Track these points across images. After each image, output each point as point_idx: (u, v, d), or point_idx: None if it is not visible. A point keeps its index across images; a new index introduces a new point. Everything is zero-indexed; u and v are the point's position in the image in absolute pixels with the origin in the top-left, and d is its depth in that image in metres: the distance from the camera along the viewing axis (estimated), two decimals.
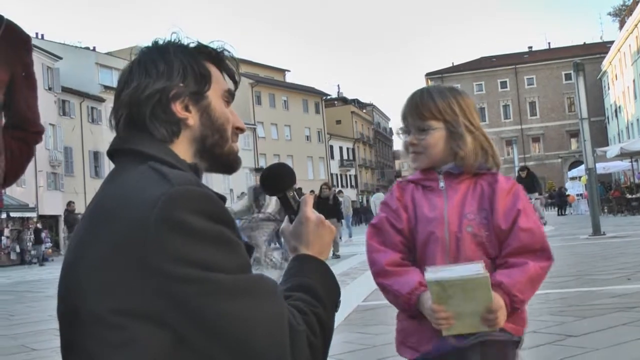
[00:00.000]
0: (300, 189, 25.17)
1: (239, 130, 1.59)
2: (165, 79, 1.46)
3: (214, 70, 1.55)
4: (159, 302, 1.24)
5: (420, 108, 2.08)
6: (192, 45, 1.54)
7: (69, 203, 25.76)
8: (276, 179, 1.69)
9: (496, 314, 1.89)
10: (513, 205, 2.03)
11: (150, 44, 1.54)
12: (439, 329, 1.94)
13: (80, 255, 1.33)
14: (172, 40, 1.54)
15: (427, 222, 2.06)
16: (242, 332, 1.27)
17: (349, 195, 32.59)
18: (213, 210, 1.30)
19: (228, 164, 1.58)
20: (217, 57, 1.57)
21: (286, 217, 1.69)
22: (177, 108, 1.46)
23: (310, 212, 1.63)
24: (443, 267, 1.90)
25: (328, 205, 16.96)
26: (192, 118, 1.49)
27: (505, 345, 2.03)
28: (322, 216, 1.64)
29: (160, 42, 1.53)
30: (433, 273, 1.87)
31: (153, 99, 1.44)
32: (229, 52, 1.59)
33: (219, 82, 1.55)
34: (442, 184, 2.11)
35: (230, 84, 1.60)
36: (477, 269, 1.83)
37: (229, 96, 1.59)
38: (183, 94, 1.47)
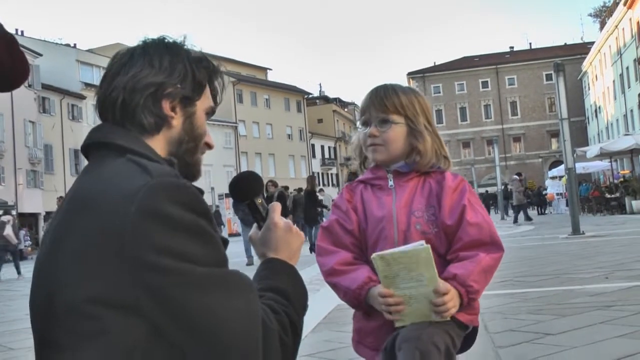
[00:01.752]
0: (286, 187, 25.18)
1: (207, 146, 1.62)
2: (166, 75, 1.48)
3: (204, 81, 1.57)
4: (135, 291, 1.24)
5: (384, 101, 2.11)
6: (198, 53, 1.57)
7: (60, 198, 25.72)
8: (244, 186, 1.71)
9: (444, 299, 1.91)
10: (459, 201, 2.06)
11: (158, 38, 1.56)
12: (391, 320, 1.96)
13: (55, 247, 1.32)
14: (181, 42, 1.57)
15: (376, 220, 2.09)
16: (214, 325, 1.27)
17: (329, 194, 32.51)
18: (192, 202, 1.30)
19: (191, 173, 1.60)
20: (212, 73, 1.60)
21: (254, 225, 1.71)
22: (166, 105, 1.48)
23: (278, 218, 1.65)
24: (390, 250, 1.95)
25: None
26: (176, 120, 1.51)
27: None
28: (290, 222, 1.67)
29: (170, 39, 1.56)
30: (379, 252, 1.93)
31: (148, 90, 1.46)
32: (222, 73, 1.63)
33: (207, 97, 1.59)
34: (391, 182, 2.14)
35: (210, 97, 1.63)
36: (419, 243, 1.90)
37: (210, 114, 1.62)
38: (176, 95, 1.49)
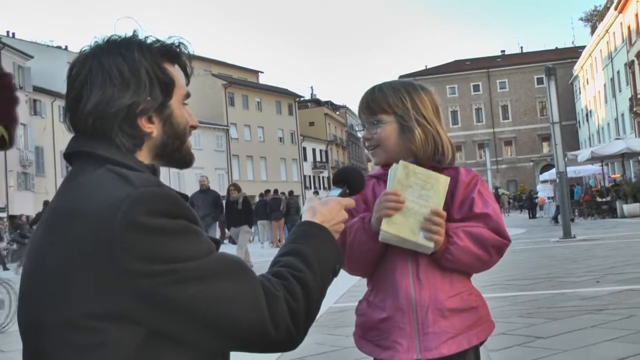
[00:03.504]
0: (275, 190, 25.20)
1: (192, 128, 1.59)
2: (132, 92, 1.42)
3: (173, 72, 1.52)
4: (130, 301, 1.23)
5: (370, 103, 2.10)
6: (153, 44, 1.50)
7: (46, 202, 25.71)
8: (353, 177, 1.84)
9: (438, 219, 1.92)
10: (469, 194, 2.05)
11: (108, 41, 1.48)
12: (380, 217, 1.94)
13: (43, 259, 1.31)
14: (133, 38, 1.50)
15: None
16: (218, 310, 1.28)
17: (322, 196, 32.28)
18: (175, 209, 1.30)
19: (184, 163, 1.60)
20: (175, 55, 1.54)
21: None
22: (143, 122, 1.45)
23: (338, 199, 1.70)
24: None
25: (235, 210, 14.62)
26: (155, 129, 1.48)
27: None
28: (345, 199, 1.71)
29: (119, 39, 1.48)
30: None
31: (120, 115, 1.41)
32: (185, 46, 1.56)
33: (179, 87, 1.54)
34: None
35: (183, 79, 1.58)
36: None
37: (186, 98, 1.58)
38: (150, 109, 1.45)
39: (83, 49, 1.49)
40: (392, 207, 1.93)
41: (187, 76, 1.59)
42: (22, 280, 1.38)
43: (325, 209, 1.63)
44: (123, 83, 1.42)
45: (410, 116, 2.07)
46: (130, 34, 1.50)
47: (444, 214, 1.95)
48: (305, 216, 1.63)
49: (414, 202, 1.94)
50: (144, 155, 1.48)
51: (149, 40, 1.50)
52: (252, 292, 1.32)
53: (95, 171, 1.36)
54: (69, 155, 1.46)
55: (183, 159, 1.59)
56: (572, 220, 22.09)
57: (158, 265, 1.24)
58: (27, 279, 1.36)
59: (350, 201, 1.72)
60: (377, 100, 2.10)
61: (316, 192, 25.64)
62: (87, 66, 1.44)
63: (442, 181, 1.96)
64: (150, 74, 1.45)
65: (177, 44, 1.54)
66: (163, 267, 1.24)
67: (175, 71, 1.54)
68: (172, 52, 1.53)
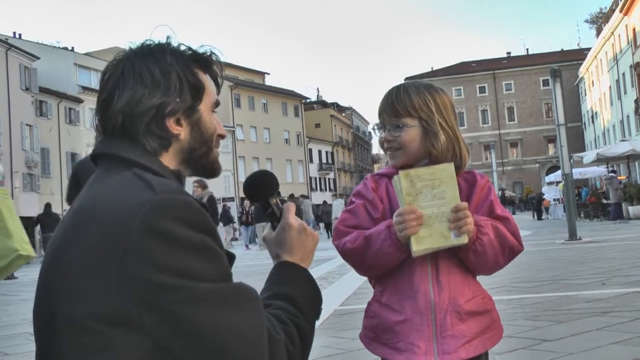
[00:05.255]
0: (292, 195, 25.16)
1: (220, 137, 1.59)
2: (162, 93, 1.44)
3: (204, 79, 1.54)
4: (138, 309, 1.23)
5: (396, 105, 2.07)
6: (185, 51, 1.52)
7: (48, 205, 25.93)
8: (259, 186, 1.70)
9: (464, 212, 1.90)
10: (486, 197, 2.06)
11: (141, 46, 1.51)
12: (406, 237, 1.90)
13: (59, 257, 1.32)
14: (166, 44, 1.51)
15: None
16: (221, 340, 1.26)
17: (310, 200, 31.64)
18: (195, 219, 1.29)
19: (211, 171, 1.59)
20: (207, 63, 1.55)
21: (268, 225, 1.68)
22: (171, 123, 1.46)
23: (292, 219, 1.63)
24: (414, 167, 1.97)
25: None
26: (184, 132, 1.48)
27: None
28: (304, 223, 1.64)
29: (153, 44, 1.51)
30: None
31: (149, 114, 1.43)
32: (217, 56, 1.57)
33: (209, 93, 1.55)
34: None
35: (214, 88, 1.59)
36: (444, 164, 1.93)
37: (216, 106, 1.59)
38: (179, 110, 1.46)
39: (117, 55, 1.51)
40: (413, 226, 1.90)
41: (218, 86, 1.60)
42: (40, 276, 1.39)
43: (301, 248, 1.61)
44: (154, 84, 1.44)
45: (434, 120, 2.06)
46: (163, 40, 1.52)
47: (465, 205, 1.92)
48: (281, 250, 1.61)
49: (431, 206, 1.91)
50: (170, 159, 1.48)
51: (182, 47, 1.52)
52: (257, 330, 1.31)
53: (120, 174, 1.36)
54: (95, 157, 1.47)
55: (211, 167, 1.58)
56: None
57: (170, 278, 1.23)
58: (44, 275, 1.37)
59: (317, 237, 1.68)
60: (402, 103, 2.07)
61: (292, 195, 25.19)
62: (120, 69, 1.47)
63: (447, 169, 1.92)
64: (180, 77, 1.47)
65: (209, 52, 1.56)
66: (174, 281, 1.23)
67: (205, 78, 1.55)
68: (203, 60, 1.55)
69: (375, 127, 2.17)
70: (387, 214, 2.05)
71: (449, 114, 2.10)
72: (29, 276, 16.26)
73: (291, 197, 26.09)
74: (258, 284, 1.58)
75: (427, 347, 1.96)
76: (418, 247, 1.91)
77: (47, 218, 24.73)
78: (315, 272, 12.06)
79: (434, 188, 1.90)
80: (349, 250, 2.03)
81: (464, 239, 1.92)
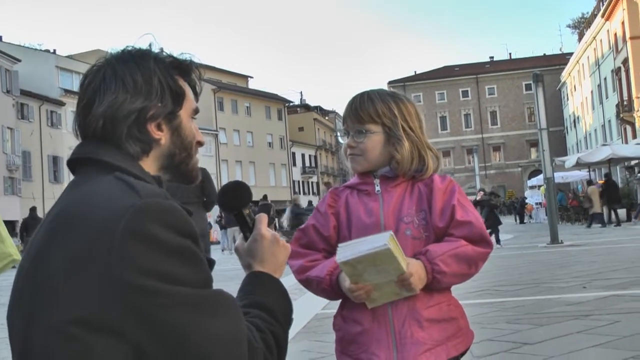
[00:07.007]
0: (265, 196, 25.06)
1: (199, 144, 1.60)
2: (144, 97, 1.44)
3: (184, 84, 1.54)
4: (119, 313, 1.22)
5: (359, 111, 2.09)
6: (166, 57, 1.52)
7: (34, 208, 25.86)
8: (232, 197, 1.71)
9: (409, 280, 1.90)
10: (449, 202, 2.05)
11: (122, 51, 1.51)
12: (359, 300, 1.97)
13: (39, 262, 1.30)
14: (148, 50, 1.52)
15: (363, 227, 2.06)
16: (203, 346, 1.26)
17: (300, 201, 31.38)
18: (179, 224, 1.29)
19: (190, 178, 1.60)
20: (187, 70, 1.56)
21: (240, 235, 1.69)
22: (152, 128, 1.46)
23: (264, 229, 1.63)
24: (355, 241, 1.94)
25: None
26: (164, 137, 1.49)
27: None
28: (277, 234, 1.65)
29: (134, 50, 1.51)
30: (343, 250, 1.91)
31: (130, 118, 1.42)
32: (196, 64, 1.58)
33: (189, 100, 1.55)
34: (378, 187, 2.11)
35: (193, 96, 1.60)
36: (382, 241, 1.86)
37: (195, 113, 1.60)
38: (160, 115, 1.46)
39: (98, 60, 1.51)
40: (362, 294, 1.95)
41: (196, 94, 1.61)
42: (16, 281, 1.37)
43: (273, 259, 1.62)
44: (136, 89, 1.44)
45: (398, 126, 2.08)
46: (145, 46, 1.53)
47: (409, 273, 1.91)
48: (253, 260, 1.62)
49: (377, 278, 1.92)
50: (150, 164, 1.48)
51: (163, 54, 1.53)
52: (239, 337, 1.31)
53: (102, 178, 1.35)
54: (74, 162, 1.46)
55: (190, 173, 1.59)
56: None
57: (153, 281, 1.22)
58: (21, 280, 1.35)
59: (289, 248, 1.70)
60: (366, 109, 2.09)
61: (265, 197, 24.96)
62: (101, 74, 1.47)
63: (383, 251, 1.85)
64: (162, 82, 1.48)
65: (189, 60, 1.56)
66: (157, 285, 1.22)
67: (185, 85, 1.56)
68: (184, 67, 1.55)
69: (341, 134, 2.21)
70: (344, 228, 2.12)
71: (413, 120, 2.12)
72: (8, 280, 16.06)
73: (264, 198, 25.90)
74: (237, 289, 1.58)
75: (387, 356, 1.97)
76: (372, 304, 1.98)
77: (33, 222, 24.54)
78: (292, 278, 11.95)
79: (377, 266, 1.90)
80: (297, 279, 2.14)
81: (416, 290, 1.95)
